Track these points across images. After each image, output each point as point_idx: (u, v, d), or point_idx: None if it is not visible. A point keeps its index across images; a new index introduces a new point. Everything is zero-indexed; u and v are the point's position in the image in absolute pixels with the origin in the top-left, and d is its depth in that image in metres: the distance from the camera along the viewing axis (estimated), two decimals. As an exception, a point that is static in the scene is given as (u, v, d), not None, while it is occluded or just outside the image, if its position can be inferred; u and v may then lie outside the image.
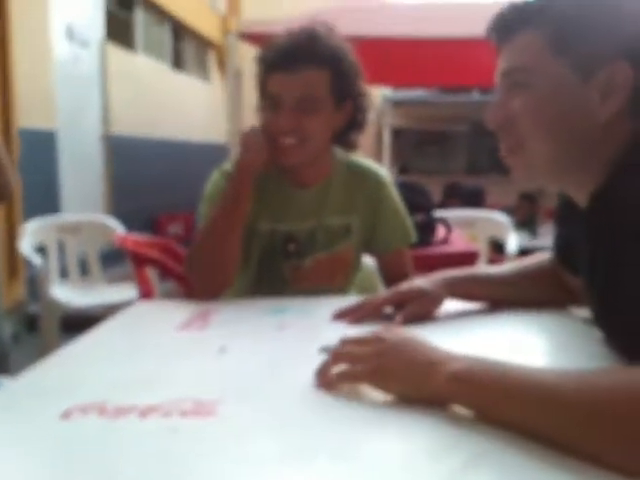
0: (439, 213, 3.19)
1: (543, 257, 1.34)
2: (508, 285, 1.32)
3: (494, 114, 1.02)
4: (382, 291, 1.41)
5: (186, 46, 9.42)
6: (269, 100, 1.55)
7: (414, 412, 0.79)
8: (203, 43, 9.90)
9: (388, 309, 1.29)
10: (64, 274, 3.91)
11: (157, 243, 2.89)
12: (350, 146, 1.70)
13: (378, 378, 0.85)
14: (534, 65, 0.95)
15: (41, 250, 3.67)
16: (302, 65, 1.50)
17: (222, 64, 9.87)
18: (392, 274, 1.71)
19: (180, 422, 0.79)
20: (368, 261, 1.85)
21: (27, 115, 4.75)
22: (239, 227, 1.54)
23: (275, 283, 1.68)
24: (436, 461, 0.68)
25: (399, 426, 0.77)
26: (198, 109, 9.10)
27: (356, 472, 0.67)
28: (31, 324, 4.12)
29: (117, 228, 3.92)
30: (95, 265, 4.01)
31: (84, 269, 4.01)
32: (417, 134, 11.66)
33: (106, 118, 6.40)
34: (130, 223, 4.23)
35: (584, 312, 1.13)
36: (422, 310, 1.25)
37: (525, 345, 1.11)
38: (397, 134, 10.75)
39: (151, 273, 2.71)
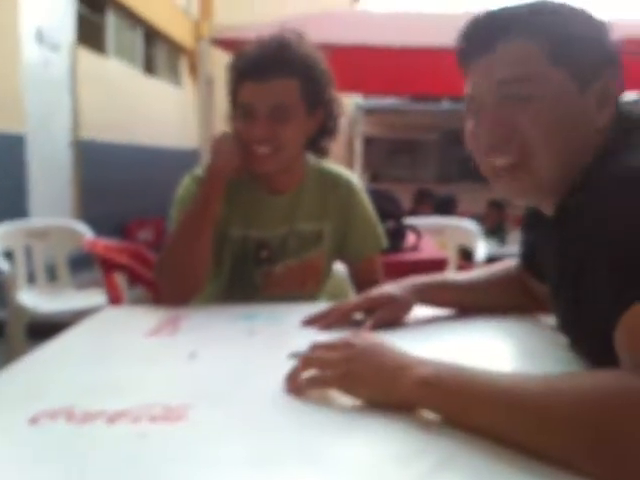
0: (409, 220, 3.21)
1: (510, 264, 1.36)
2: (476, 291, 1.33)
3: (495, 129, 0.95)
4: (352, 297, 1.42)
5: (158, 51, 9.38)
6: (241, 109, 1.55)
7: (383, 417, 0.80)
8: (175, 48, 9.87)
9: (358, 315, 1.29)
10: (32, 279, 3.86)
11: (127, 248, 2.86)
12: (322, 152, 1.71)
13: (347, 383, 0.86)
14: (536, 75, 0.92)
15: (8, 255, 3.62)
16: (273, 74, 1.51)
17: (194, 69, 9.84)
18: (363, 280, 1.72)
19: (149, 427, 0.79)
20: (339, 268, 1.86)
21: (-4, 119, 4.69)
22: (209, 231, 1.53)
23: (246, 289, 1.68)
24: (405, 466, 0.68)
25: (368, 431, 0.77)
26: (169, 114, 9.07)
27: (325, 476, 0.67)
28: (-2, 330, 4.06)
29: (86, 233, 3.88)
30: (63, 270, 3.96)
31: (52, 274, 3.96)
32: (388, 142, 11.76)
33: (76, 122, 6.34)
34: (99, 228, 4.19)
35: (550, 319, 1.15)
36: (391, 316, 1.26)
37: (493, 350, 1.12)
38: (368, 142, 10.82)
39: (120, 279, 2.69)
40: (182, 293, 1.53)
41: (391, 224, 2.79)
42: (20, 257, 3.75)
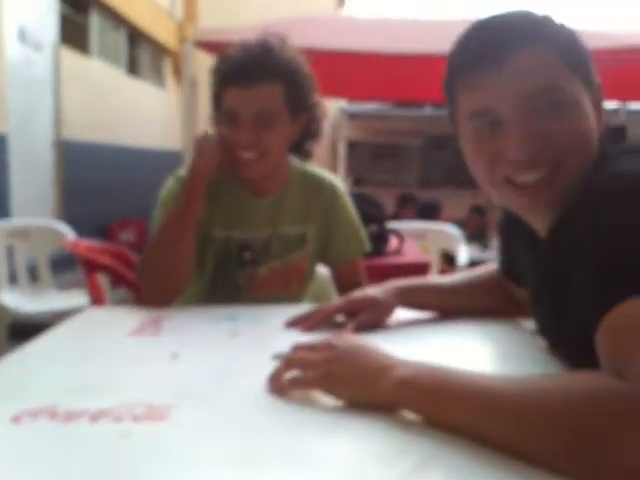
0: (392, 224, 3.23)
1: (492, 268, 1.38)
2: (458, 294, 1.35)
3: (528, 143, 0.90)
4: (335, 300, 1.43)
5: (142, 52, 9.35)
6: (226, 114, 1.56)
7: (364, 417, 0.80)
8: (159, 50, 9.84)
9: (340, 317, 1.30)
10: (13, 280, 3.83)
11: (109, 249, 2.85)
12: (305, 155, 1.72)
13: (329, 384, 0.86)
14: (563, 83, 0.90)
15: (-11, 255, 3.60)
16: (257, 80, 1.51)
17: (178, 71, 9.82)
18: (345, 283, 1.73)
19: (132, 426, 0.79)
20: (322, 270, 1.87)
21: (-23, 118, 4.66)
22: (191, 231, 1.54)
23: (229, 291, 1.68)
24: (387, 465, 0.69)
25: (350, 431, 0.78)
26: (153, 116, 9.04)
27: (308, 476, 0.68)
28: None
29: (68, 234, 3.85)
30: (45, 271, 3.93)
31: (34, 275, 3.93)
32: (372, 147, 11.78)
33: (58, 122, 6.31)
34: (81, 229, 4.17)
35: (530, 323, 1.16)
36: (374, 318, 1.27)
37: (473, 353, 1.13)
38: (352, 146, 10.83)
39: (102, 280, 2.67)
40: (164, 294, 1.53)
41: (374, 228, 2.81)
42: (1, 257, 3.72)
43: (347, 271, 1.77)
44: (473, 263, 3.15)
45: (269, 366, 0.95)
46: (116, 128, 7.77)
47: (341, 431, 0.78)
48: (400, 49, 5.03)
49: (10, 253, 3.81)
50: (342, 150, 9.49)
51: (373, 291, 1.31)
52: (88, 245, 2.83)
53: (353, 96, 8.79)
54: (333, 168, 8.90)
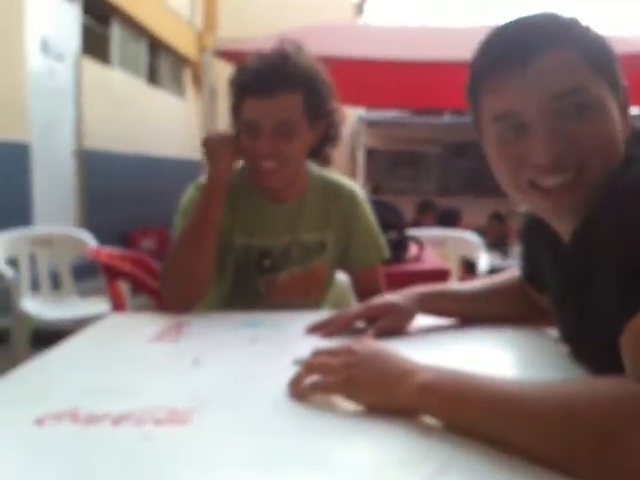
0: (412, 232, 3.23)
1: (514, 274, 1.37)
2: (479, 301, 1.34)
3: (553, 145, 0.88)
4: (354, 306, 1.43)
5: (162, 62, 9.43)
6: (245, 125, 1.56)
7: (384, 422, 0.81)
8: (179, 59, 9.92)
9: (360, 323, 1.30)
10: (35, 287, 3.86)
11: (130, 257, 2.88)
12: (324, 161, 1.72)
13: (349, 389, 0.86)
14: (589, 85, 0.89)
15: (13, 263, 3.63)
16: (276, 89, 1.51)
17: (197, 80, 9.90)
18: (365, 290, 1.73)
19: (154, 430, 0.80)
20: (341, 277, 1.87)
21: (0, 127, 4.72)
22: (211, 237, 1.54)
23: (249, 297, 1.69)
24: (407, 471, 0.69)
25: (370, 436, 0.78)
26: (173, 125, 9.11)
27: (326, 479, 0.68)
28: (1, 338, 4.06)
29: (89, 242, 3.89)
30: (67, 278, 3.97)
31: (56, 282, 3.97)
32: (390, 154, 11.79)
33: (80, 132, 6.37)
34: (102, 237, 4.21)
35: (553, 332, 1.15)
36: (394, 325, 1.27)
37: (494, 359, 1.13)
38: (371, 154, 10.84)
39: (123, 287, 2.70)
40: (185, 300, 1.53)
41: (393, 235, 2.80)
42: (24, 265, 3.76)
43: (366, 277, 1.77)
44: (493, 271, 3.14)
45: (289, 371, 0.95)
46: (137, 137, 7.84)
47: (361, 436, 0.78)
48: (419, 57, 5.03)
49: (33, 261, 3.85)
50: (361, 158, 9.49)
51: (393, 297, 1.31)
52: (109, 252, 2.86)
53: (372, 104, 8.79)
54: (352, 176, 8.89)
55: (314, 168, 1.74)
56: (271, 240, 1.67)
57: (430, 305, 1.32)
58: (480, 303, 1.34)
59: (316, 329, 1.29)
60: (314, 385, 0.90)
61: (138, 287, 2.65)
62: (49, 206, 5.68)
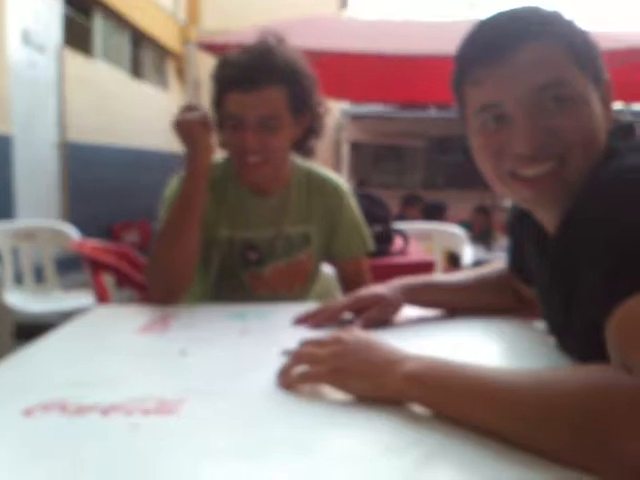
0: (397, 225, 3.24)
1: (499, 265, 1.38)
2: (466, 291, 1.35)
3: (535, 136, 0.90)
4: (340, 298, 1.43)
5: (145, 54, 9.37)
6: (230, 119, 1.55)
7: (372, 411, 0.81)
8: (162, 52, 9.86)
9: (347, 315, 1.31)
10: (19, 280, 3.84)
11: (114, 250, 2.86)
12: (308, 153, 1.72)
13: (337, 378, 0.87)
14: (571, 78, 0.90)
15: (-5, 256, 3.61)
16: (260, 84, 1.51)
17: (181, 73, 9.85)
18: (350, 282, 1.74)
19: (142, 420, 0.80)
20: (327, 269, 1.88)
21: (-19, 119, 4.67)
22: (194, 227, 1.53)
23: (235, 290, 1.69)
24: (395, 457, 0.69)
25: (358, 424, 0.79)
26: (156, 117, 9.05)
27: (316, 468, 0.68)
28: (-17, 331, 4.03)
29: (72, 234, 3.87)
30: (50, 271, 3.95)
31: (39, 276, 3.95)
32: (375, 148, 11.79)
33: (63, 124, 6.32)
34: (86, 230, 4.19)
35: (540, 324, 1.16)
36: (380, 316, 1.27)
37: (481, 348, 1.14)
38: (355, 148, 10.85)
39: (107, 280, 2.69)
40: (169, 292, 1.52)
41: (379, 228, 2.81)
42: (7, 258, 3.74)
43: (351, 270, 1.78)
44: (477, 263, 3.16)
45: (278, 362, 0.95)
46: (120, 130, 7.79)
47: (350, 425, 0.79)
48: (403, 50, 5.03)
49: (15, 254, 3.83)
50: (345, 152, 9.50)
51: (380, 289, 1.31)
52: (93, 245, 2.85)
53: (356, 98, 8.80)
54: (336, 170, 8.90)
55: (298, 161, 1.74)
56: (256, 233, 1.67)
57: (417, 296, 1.33)
58: (468, 294, 1.35)
59: (304, 320, 1.29)
60: (302, 375, 0.91)
61: (122, 280, 2.64)
62: (32, 199, 5.64)
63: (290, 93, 1.55)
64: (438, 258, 3.67)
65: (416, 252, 3.14)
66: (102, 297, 2.59)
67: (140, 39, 9.01)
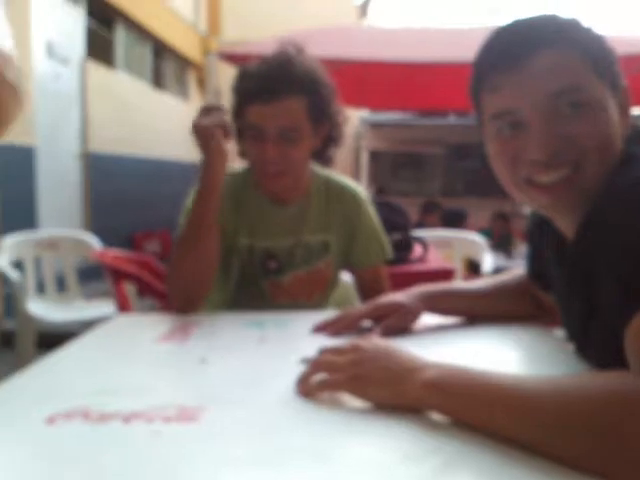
0: (417, 232, 3.23)
1: (519, 272, 1.37)
2: (485, 299, 1.34)
3: (550, 143, 0.90)
4: (359, 306, 1.43)
5: (166, 65, 9.45)
6: (251, 130, 1.55)
7: (391, 418, 0.81)
8: (183, 62, 9.94)
9: (366, 323, 1.31)
10: (41, 290, 3.88)
11: (135, 259, 2.89)
12: (327, 162, 1.73)
13: (356, 386, 0.87)
14: (587, 84, 0.90)
15: (18, 265, 3.65)
16: (281, 94, 1.51)
17: (202, 83, 9.92)
18: (368, 290, 1.74)
19: (163, 427, 0.81)
20: (345, 277, 1.88)
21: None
22: (210, 238, 1.51)
23: (254, 298, 1.69)
24: (414, 465, 0.69)
25: (377, 432, 0.79)
26: (177, 128, 9.11)
27: (335, 475, 0.69)
28: (7, 340, 4.08)
29: (94, 244, 3.91)
30: (72, 281, 3.99)
31: (61, 285, 3.99)
32: (394, 156, 11.77)
33: (85, 135, 6.39)
34: (107, 240, 4.22)
35: (560, 331, 1.16)
36: (400, 323, 1.27)
37: (500, 356, 1.13)
38: (374, 156, 10.85)
39: (129, 289, 2.71)
40: (187, 301, 1.52)
41: (398, 236, 2.81)
42: (30, 267, 3.78)
43: (369, 278, 1.78)
44: (497, 271, 3.14)
45: (297, 369, 0.96)
46: (141, 140, 7.86)
47: (369, 432, 0.79)
48: (422, 58, 5.03)
49: (38, 263, 3.87)
50: (364, 160, 9.50)
51: (399, 297, 1.31)
52: (115, 255, 2.88)
53: (375, 106, 8.80)
54: (355, 178, 8.91)
55: (318, 169, 1.75)
56: (275, 242, 1.68)
57: (436, 304, 1.32)
58: (487, 301, 1.34)
59: (322, 328, 1.30)
60: (321, 383, 0.91)
61: (143, 289, 2.66)
62: (54, 209, 5.70)
63: (310, 103, 1.55)
64: (458, 266, 3.65)
65: (435, 260, 3.13)
66: (123, 306, 2.62)
67: (161, 50, 9.10)
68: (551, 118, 0.90)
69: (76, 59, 6.27)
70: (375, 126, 10.91)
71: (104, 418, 0.83)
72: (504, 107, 0.94)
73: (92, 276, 4.54)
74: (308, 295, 1.73)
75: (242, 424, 0.82)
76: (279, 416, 0.85)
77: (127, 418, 0.83)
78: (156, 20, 8.22)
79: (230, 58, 5.25)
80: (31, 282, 3.74)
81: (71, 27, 6.18)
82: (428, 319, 1.32)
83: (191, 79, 10.37)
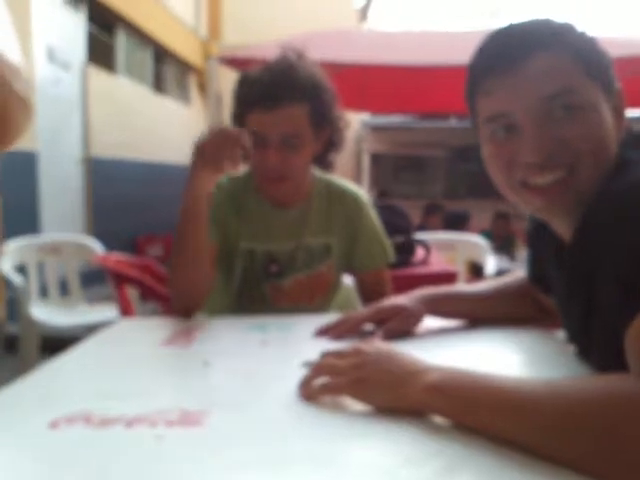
0: (419, 235, 3.23)
1: (520, 275, 1.37)
2: (487, 301, 1.34)
3: (544, 145, 0.91)
4: (361, 309, 1.44)
5: (167, 69, 9.47)
6: (252, 136, 1.54)
7: (393, 422, 0.81)
8: (184, 67, 9.96)
9: (368, 326, 1.31)
10: (44, 294, 3.89)
11: (138, 263, 2.89)
12: (328, 167, 1.74)
13: (358, 389, 0.87)
14: (580, 87, 0.90)
15: (21, 270, 3.66)
16: (282, 101, 1.52)
17: (202, 87, 9.93)
18: (370, 293, 1.74)
19: (166, 431, 0.81)
20: (347, 280, 1.88)
21: (7, 136, 4.74)
22: (200, 235, 1.50)
23: (256, 302, 1.70)
24: (415, 468, 0.70)
25: (379, 435, 0.79)
26: (178, 132, 9.14)
27: (337, 479, 0.69)
28: (10, 345, 4.09)
29: (97, 248, 3.92)
30: (75, 285, 4.00)
31: (64, 289, 3.99)
32: (395, 159, 11.77)
33: (87, 140, 6.40)
34: (109, 244, 4.23)
35: (562, 333, 1.16)
36: (402, 326, 1.27)
37: (502, 359, 1.13)
38: (376, 159, 10.85)
39: (131, 293, 2.71)
40: (186, 305, 1.51)
41: (400, 238, 2.81)
42: (33, 272, 3.79)
43: (371, 281, 1.78)
44: (500, 273, 3.14)
45: (299, 373, 0.96)
46: (143, 144, 7.87)
47: (370, 435, 0.79)
48: (423, 61, 5.03)
49: (41, 268, 3.88)
50: (366, 163, 9.50)
51: (401, 300, 1.31)
52: (117, 259, 2.88)
53: (376, 109, 8.80)
54: (357, 181, 8.91)
55: (318, 173, 1.75)
56: (276, 245, 1.68)
57: (438, 307, 1.33)
58: (489, 304, 1.34)
59: (324, 331, 1.30)
60: (323, 386, 0.91)
61: (146, 293, 2.67)
62: (57, 214, 5.71)
63: (312, 109, 1.56)
64: (461, 268, 3.66)
65: (438, 262, 3.13)
66: (126, 310, 2.62)
67: (162, 55, 9.11)
68: (544, 122, 0.91)
69: (77, 64, 6.28)
70: (376, 129, 10.91)
71: (107, 422, 0.83)
72: (498, 110, 0.94)
73: (95, 280, 4.55)
74: (309, 299, 1.73)
75: (243, 428, 0.82)
76: (281, 420, 0.85)
77: (130, 422, 0.83)
78: (157, 25, 8.23)
79: (231, 62, 5.26)
80: (34, 286, 3.74)
81: (72, 32, 6.19)
82: (430, 322, 1.32)
83: (192, 83, 10.39)
